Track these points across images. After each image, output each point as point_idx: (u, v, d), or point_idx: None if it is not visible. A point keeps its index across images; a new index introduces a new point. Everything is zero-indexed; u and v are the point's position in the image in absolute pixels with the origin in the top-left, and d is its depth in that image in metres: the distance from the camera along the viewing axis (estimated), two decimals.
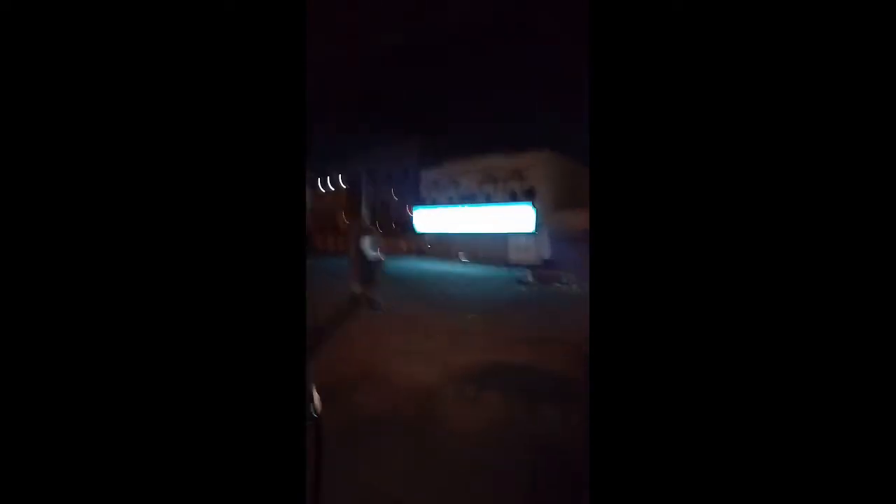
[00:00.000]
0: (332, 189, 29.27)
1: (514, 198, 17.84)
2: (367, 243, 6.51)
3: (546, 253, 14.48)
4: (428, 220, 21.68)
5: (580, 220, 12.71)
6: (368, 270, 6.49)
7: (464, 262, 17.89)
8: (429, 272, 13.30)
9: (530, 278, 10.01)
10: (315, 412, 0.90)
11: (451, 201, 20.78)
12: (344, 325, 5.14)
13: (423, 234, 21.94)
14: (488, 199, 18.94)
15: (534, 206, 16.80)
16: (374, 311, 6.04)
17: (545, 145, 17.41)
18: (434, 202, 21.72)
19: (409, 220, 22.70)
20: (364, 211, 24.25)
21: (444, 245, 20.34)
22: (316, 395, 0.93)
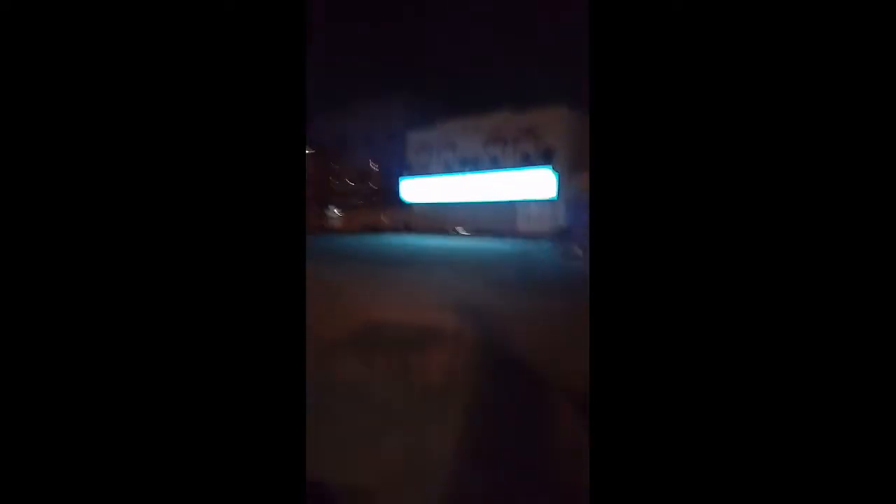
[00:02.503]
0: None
1: (527, 161, 15.35)
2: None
3: (566, 221, 12.13)
4: (419, 189, 18.74)
5: None
6: None
7: (462, 235, 15.25)
8: (434, 251, 10.69)
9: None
10: None
11: (448, 168, 17.92)
12: None
13: (411, 206, 18.98)
14: (495, 164, 16.31)
15: (553, 169, 14.43)
16: None
17: (561, 100, 14.98)
18: (426, 169, 18.76)
19: (395, 191, 19.63)
20: (334, 182, 20.85)
21: (438, 217, 17.52)
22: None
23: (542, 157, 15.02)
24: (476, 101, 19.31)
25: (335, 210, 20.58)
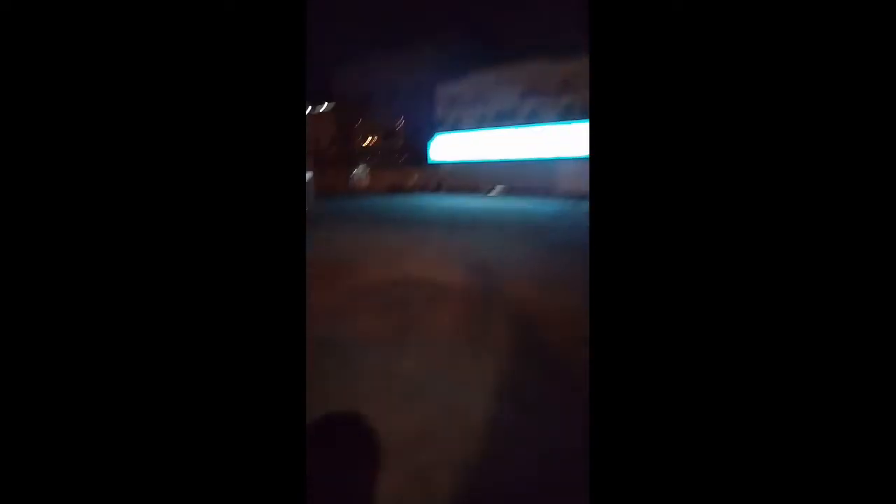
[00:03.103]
0: (322, 110, 23.93)
1: (568, 115, 14.44)
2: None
3: None
4: (449, 146, 17.98)
5: None
6: None
7: (494, 196, 14.75)
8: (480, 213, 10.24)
9: None
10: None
11: (480, 122, 17.05)
12: None
13: (441, 164, 18.33)
14: (531, 118, 15.41)
15: None
16: None
17: None
18: (457, 124, 17.91)
19: (423, 148, 18.90)
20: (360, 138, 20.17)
21: (471, 176, 16.92)
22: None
23: (584, 111, 14.08)
24: (511, 51, 18.04)
25: (360, 169, 20.03)
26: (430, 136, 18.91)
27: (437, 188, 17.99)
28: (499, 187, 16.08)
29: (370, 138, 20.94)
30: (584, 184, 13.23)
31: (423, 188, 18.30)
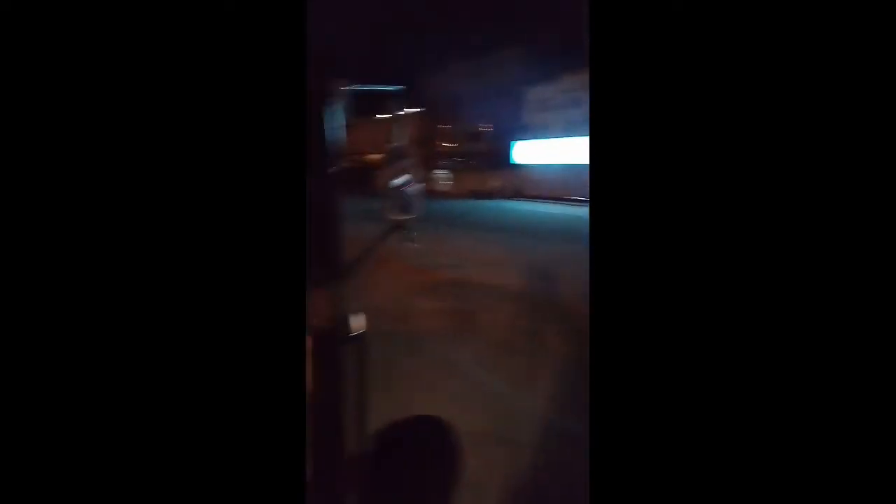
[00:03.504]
0: (405, 113, 24.47)
1: None
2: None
3: None
4: (535, 151, 17.43)
5: None
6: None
7: (577, 204, 13.91)
8: None
9: None
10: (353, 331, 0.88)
11: (568, 128, 16.31)
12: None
13: (524, 169, 17.84)
14: None
15: None
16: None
17: None
18: (545, 129, 17.32)
19: (506, 153, 18.54)
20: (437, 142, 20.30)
21: (556, 182, 16.22)
22: (354, 317, 0.89)
23: None
24: None
25: (441, 173, 20.12)
26: (514, 140, 18.51)
27: (519, 194, 17.54)
28: (582, 195, 15.24)
29: (453, 142, 21.04)
30: None
31: (504, 193, 17.94)
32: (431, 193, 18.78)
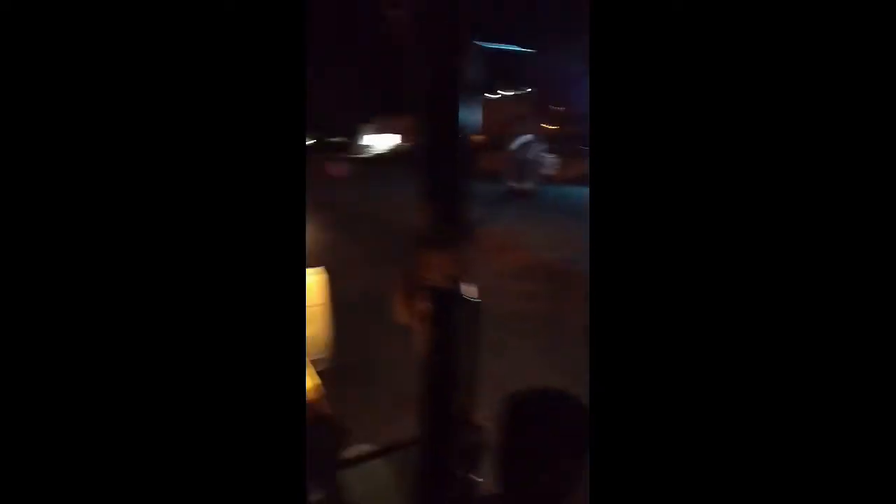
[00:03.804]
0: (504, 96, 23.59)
1: None
2: None
3: None
4: None
5: None
6: None
7: None
8: None
9: None
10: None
11: None
12: None
13: None
14: None
15: None
16: None
17: None
18: None
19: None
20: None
21: None
22: (466, 286, 0.87)
23: None
24: None
25: (546, 157, 19.41)
26: None
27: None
28: None
29: (552, 125, 20.23)
30: None
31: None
32: (539, 177, 18.41)
